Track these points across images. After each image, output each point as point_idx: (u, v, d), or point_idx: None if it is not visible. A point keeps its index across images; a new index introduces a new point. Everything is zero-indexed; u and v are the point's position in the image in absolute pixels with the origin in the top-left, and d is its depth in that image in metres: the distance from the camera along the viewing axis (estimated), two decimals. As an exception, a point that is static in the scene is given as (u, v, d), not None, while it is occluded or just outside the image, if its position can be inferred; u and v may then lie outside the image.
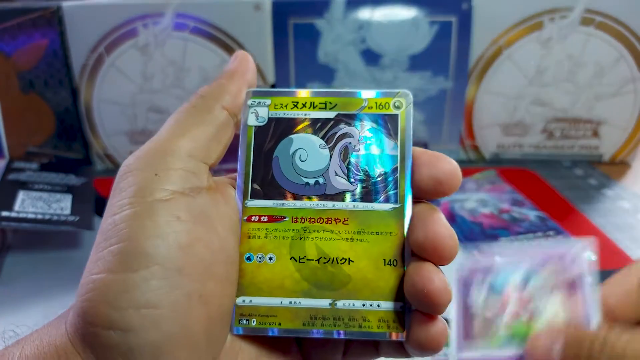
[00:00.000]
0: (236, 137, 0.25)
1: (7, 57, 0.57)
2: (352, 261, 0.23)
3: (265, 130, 0.24)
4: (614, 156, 0.64)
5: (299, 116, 0.24)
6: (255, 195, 0.24)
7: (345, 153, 0.24)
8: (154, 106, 0.60)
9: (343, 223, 0.23)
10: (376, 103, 0.24)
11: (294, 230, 0.23)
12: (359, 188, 0.23)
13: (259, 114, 0.25)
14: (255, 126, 0.24)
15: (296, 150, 0.24)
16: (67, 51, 0.58)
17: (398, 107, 0.24)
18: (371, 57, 0.59)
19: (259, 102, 0.25)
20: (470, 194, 0.55)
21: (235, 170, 0.24)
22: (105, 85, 0.59)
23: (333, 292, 0.23)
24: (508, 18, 0.57)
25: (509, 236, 0.48)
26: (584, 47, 0.58)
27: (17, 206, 0.46)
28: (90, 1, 0.56)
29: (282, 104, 0.25)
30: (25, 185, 0.49)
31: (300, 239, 0.23)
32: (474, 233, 0.48)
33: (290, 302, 0.23)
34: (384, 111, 0.24)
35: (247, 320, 0.23)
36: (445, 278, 0.21)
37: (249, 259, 0.23)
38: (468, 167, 0.61)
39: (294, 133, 0.24)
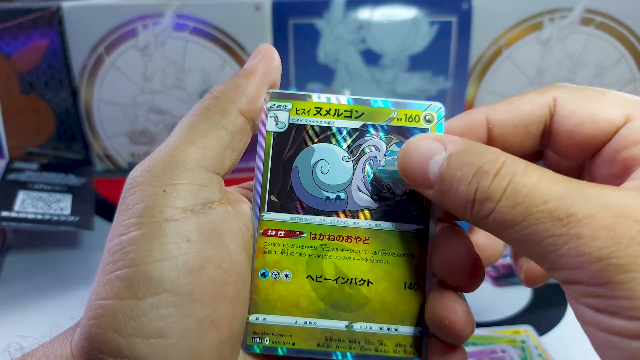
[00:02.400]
0: (252, 140, 0.23)
1: (7, 58, 0.57)
2: (372, 283, 0.22)
3: (285, 137, 0.23)
4: (614, 156, 0.63)
5: (322, 124, 0.23)
6: (272, 208, 0.22)
7: (370, 167, 0.23)
8: (154, 107, 0.60)
9: (364, 242, 0.22)
10: (406, 115, 0.23)
11: (312, 247, 0.22)
12: (382, 206, 0.22)
13: (278, 119, 0.23)
14: (274, 132, 0.23)
15: (318, 161, 0.23)
16: (67, 51, 0.58)
17: (429, 121, 0.23)
18: (371, 57, 0.59)
19: (279, 106, 0.23)
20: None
21: (243, 174, 0.24)
22: (106, 85, 0.59)
23: (350, 314, 0.22)
24: (508, 18, 0.57)
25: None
26: (584, 48, 0.58)
27: (17, 206, 0.46)
28: (90, 1, 0.56)
29: (304, 109, 0.23)
30: (25, 186, 0.49)
31: (318, 256, 0.22)
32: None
33: (305, 322, 0.22)
34: (413, 124, 0.23)
35: (260, 338, 0.22)
36: (468, 309, 0.21)
37: (263, 275, 0.22)
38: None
39: (316, 142, 0.23)
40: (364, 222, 0.22)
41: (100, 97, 0.60)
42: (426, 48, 0.58)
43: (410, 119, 0.23)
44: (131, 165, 0.62)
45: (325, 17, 0.57)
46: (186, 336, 0.19)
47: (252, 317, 0.22)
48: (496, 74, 0.60)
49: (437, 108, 0.23)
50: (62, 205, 0.48)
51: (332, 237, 0.22)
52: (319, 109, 0.23)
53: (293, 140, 0.23)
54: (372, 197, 0.22)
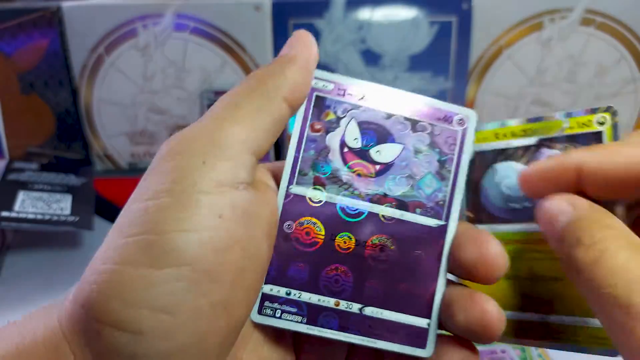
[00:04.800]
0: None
1: (7, 58, 0.57)
2: (560, 279, 0.23)
3: (472, 163, 0.24)
4: (614, 156, 0.63)
5: (501, 146, 0.24)
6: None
7: None
8: (154, 107, 0.60)
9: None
10: (578, 123, 0.23)
11: (508, 251, 0.23)
12: None
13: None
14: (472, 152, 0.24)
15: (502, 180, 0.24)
16: (67, 51, 0.57)
17: (602, 124, 0.23)
18: (371, 57, 0.59)
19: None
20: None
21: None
22: (105, 85, 0.59)
23: (544, 307, 0.23)
24: (508, 18, 0.57)
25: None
26: (584, 48, 0.58)
27: (17, 206, 0.46)
28: (90, 1, 0.56)
29: (485, 137, 0.25)
30: (25, 186, 0.49)
31: (513, 258, 0.23)
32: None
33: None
34: (585, 129, 0.23)
35: None
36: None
37: None
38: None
39: (497, 163, 0.24)
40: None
41: (100, 97, 0.60)
42: (426, 48, 0.58)
43: (583, 125, 0.23)
44: (131, 165, 0.62)
45: (325, 17, 0.57)
46: (196, 317, 0.18)
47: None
48: (496, 74, 0.60)
49: (610, 110, 0.23)
50: (62, 205, 0.48)
51: (524, 241, 0.24)
52: (496, 135, 0.24)
53: (480, 164, 0.25)
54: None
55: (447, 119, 0.24)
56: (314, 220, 0.23)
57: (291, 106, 0.22)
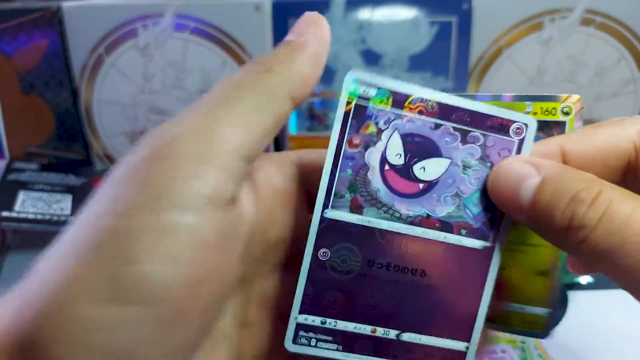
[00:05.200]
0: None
1: (7, 58, 0.57)
2: (504, 269, 0.23)
3: None
4: (614, 156, 0.63)
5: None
6: None
7: None
8: (155, 107, 0.60)
9: None
10: (542, 109, 0.22)
11: None
12: None
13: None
14: None
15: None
16: (67, 52, 0.57)
17: (567, 114, 0.22)
18: (371, 57, 0.59)
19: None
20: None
21: None
22: (106, 85, 0.59)
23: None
24: (508, 18, 0.57)
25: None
26: (584, 48, 0.58)
27: (17, 206, 0.46)
28: (90, 1, 0.56)
29: None
30: (25, 186, 0.49)
31: None
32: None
33: None
34: (550, 117, 0.22)
35: None
36: None
37: None
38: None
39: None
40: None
41: (100, 97, 0.60)
42: (426, 48, 0.58)
43: (547, 113, 0.22)
44: (131, 165, 0.62)
45: (325, 17, 0.57)
46: None
47: None
48: (496, 74, 0.59)
49: (575, 99, 0.22)
50: (62, 206, 0.48)
51: None
52: None
53: None
54: None
55: (502, 127, 0.21)
56: (350, 245, 0.21)
57: (296, 103, 0.19)
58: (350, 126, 0.20)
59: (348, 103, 0.20)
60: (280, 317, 0.22)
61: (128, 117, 0.61)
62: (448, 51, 0.58)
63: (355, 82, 0.20)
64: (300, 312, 0.21)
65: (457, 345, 0.21)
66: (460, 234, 0.21)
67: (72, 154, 0.61)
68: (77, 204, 0.49)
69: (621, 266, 0.17)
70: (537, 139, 0.21)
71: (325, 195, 0.20)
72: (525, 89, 0.60)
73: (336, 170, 0.20)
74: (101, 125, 0.61)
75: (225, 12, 0.57)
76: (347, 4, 0.57)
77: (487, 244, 0.21)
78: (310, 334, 0.21)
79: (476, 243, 0.21)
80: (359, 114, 0.20)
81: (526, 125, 0.21)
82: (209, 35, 0.57)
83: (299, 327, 0.21)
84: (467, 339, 0.21)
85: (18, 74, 0.57)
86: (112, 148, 0.62)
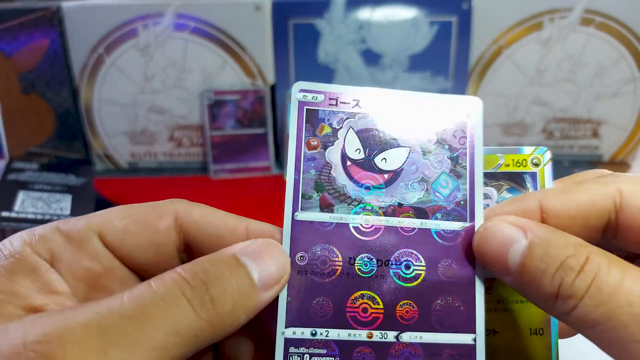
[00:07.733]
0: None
1: (7, 58, 0.57)
2: (497, 332, 0.22)
3: None
4: (614, 156, 0.63)
5: None
6: None
7: None
8: (155, 106, 0.60)
9: (486, 292, 0.21)
10: (513, 160, 0.22)
11: None
12: None
13: None
14: None
15: None
16: (67, 51, 0.58)
17: (536, 165, 0.22)
18: (371, 57, 0.59)
19: None
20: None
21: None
22: (106, 85, 0.59)
23: None
24: (508, 18, 0.57)
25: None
26: (584, 47, 0.58)
27: (17, 206, 0.46)
28: (90, 1, 0.56)
29: None
30: (25, 186, 0.49)
31: None
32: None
33: None
34: (522, 169, 0.22)
35: None
36: None
37: None
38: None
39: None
40: (487, 271, 0.21)
41: (101, 97, 0.60)
42: (426, 48, 0.58)
43: (518, 164, 0.22)
44: (131, 165, 0.62)
45: (326, 17, 0.57)
46: None
47: None
48: (496, 74, 0.60)
49: (543, 151, 0.22)
50: (62, 205, 0.48)
51: None
52: None
53: None
54: None
55: (450, 111, 0.21)
56: (327, 245, 0.20)
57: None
58: (305, 130, 0.21)
59: (299, 110, 0.21)
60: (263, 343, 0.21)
61: (128, 116, 0.61)
62: (448, 51, 0.58)
63: (302, 91, 0.21)
64: (287, 326, 0.20)
65: (463, 338, 0.20)
66: (436, 219, 0.21)
67: (72, 154, 0.61)
68: (76, 203, 0.49)
69: (611, 338, 0.17)
70: (513, 191, 0.22)
71: (293, 198, 0.21)
72: (525, 89, 0.60)
73: (299, 173, 0.21)
74: (101, 125, 0.61)
75: (226, 12, 0.57)
76: (347, 4, 0.57)
77: (466, 224, 0.21)
78: (302, 349, 0.20)
79: (455, 225, 0.21)
80: (312, 117, 0.21)
81: (472, 105, 0.22)
82: (209, 35, 0.57)
83: (289, 342, 0.20)
84: (472, 330, 0.20)
85: (18, 74, 0.57)
86: (112, 147, 0.62)
